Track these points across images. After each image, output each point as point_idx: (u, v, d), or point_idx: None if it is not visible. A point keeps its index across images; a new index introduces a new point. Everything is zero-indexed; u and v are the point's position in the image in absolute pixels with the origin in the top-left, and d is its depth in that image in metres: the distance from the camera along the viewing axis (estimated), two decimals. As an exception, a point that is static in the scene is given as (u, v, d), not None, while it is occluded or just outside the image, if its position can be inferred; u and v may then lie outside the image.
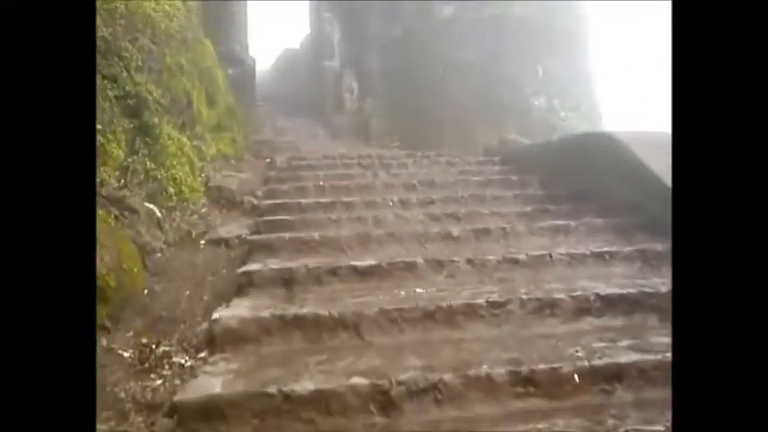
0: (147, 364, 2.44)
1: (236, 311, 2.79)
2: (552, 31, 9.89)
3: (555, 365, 2.27)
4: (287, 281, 3.21)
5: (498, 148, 7.52)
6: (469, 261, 3.36)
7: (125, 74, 4.82)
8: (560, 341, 2.62)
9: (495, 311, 2.81)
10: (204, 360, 2.50)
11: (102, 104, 4.40)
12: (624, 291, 2.91)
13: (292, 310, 2.77)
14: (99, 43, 4.45)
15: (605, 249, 3.52)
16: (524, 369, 2.26)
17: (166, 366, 2.45)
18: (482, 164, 6.98)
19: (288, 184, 5.79)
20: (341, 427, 2.12)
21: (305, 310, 2.76)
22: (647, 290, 2.92)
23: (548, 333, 2.75)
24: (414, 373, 2.26)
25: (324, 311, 2.74)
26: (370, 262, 3.32)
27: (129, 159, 4.67)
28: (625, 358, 2.31)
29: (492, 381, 2.23)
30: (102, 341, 2.68)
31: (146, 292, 3.24)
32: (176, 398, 2.14)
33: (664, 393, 2.07)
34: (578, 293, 2.88)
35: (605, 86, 10.61)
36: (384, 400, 2.17)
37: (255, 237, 4.02)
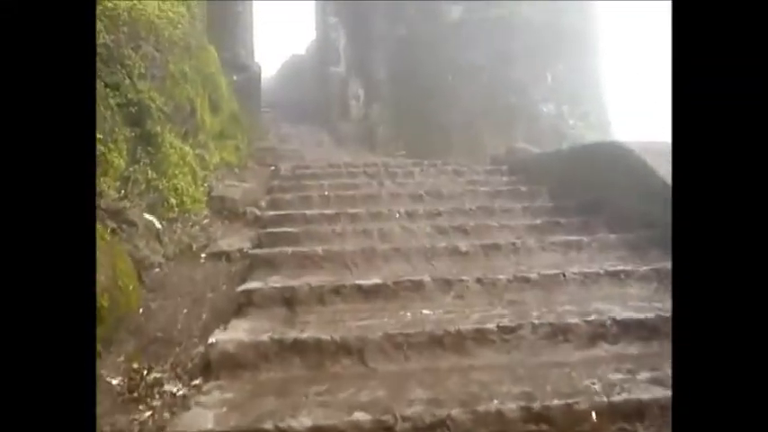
0: (136, 393, 2.32)
1: (233, 335, 2.66)
2: (561, 33, 9.75)
3: (570, 401, 2.13)
4: (288, 300, 3.09)
5: (506, 157, 7.38)
6: (479, 280, 3.22)
7: (127, 81, 4.72)
8: (575, 371, 2.47)
9: (506, 337, 2.67)
10: (198, 388, 2.37)
11: (103, 113, 4.29)
12: (642, 315, 2.76)
13: (292, 334, 2.64)
14: (101, 51, 4.36)
15: (620, 268, 3.37)
16: (537, 405, 2.11)
17: (157, 396, 2.32)
18: (490, 173, 6.85)
19: (292, 193, 5.67)
20: (342, 466, 1.99)
21: (306, 335, 2.63)
22: (664, 314, 2.77)
23: (561, 361, 2.60)
24: (420, 408, 2.12)
25: (326, 336, 2.61)
26: (376, 281, 3.19)
27: (131, 169, 4.57)
28: (646, 394, 2.17)
29: (503, 417, 2.09)
30: (94, 365, 2.56)
31: (141, 310, 3.12)
32: (165, 434, 2.02)
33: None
34: (593, 318, 2.74)
35: (614, 91, 10.46)
36: (388, 438, 2.03)
37: (257, 251, 3.90)
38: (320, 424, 2.03)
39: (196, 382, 2.44)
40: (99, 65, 4.28)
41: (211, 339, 2.56)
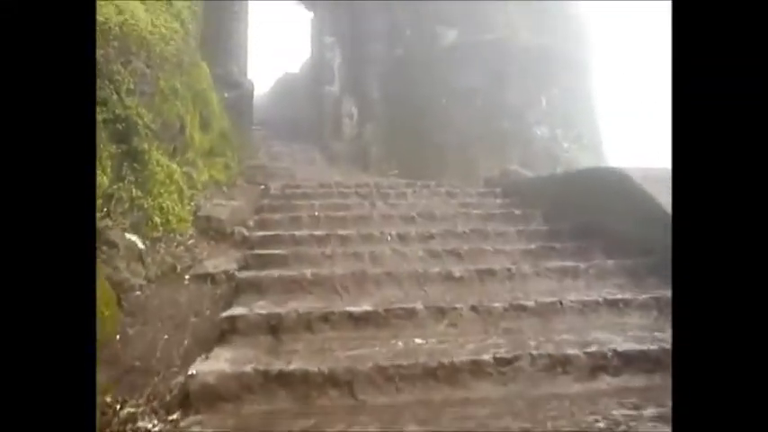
0: (108, 431, 2.16)
1: (215, 365, 2.51)
2: (555, 57, 9.77)
3: (573, 442, 2.00)
4: (274, 327, 2.94)
5: (500, 180, 7.30)
6: (473, 308, 3.10)
7: (115, 97, 4.60)
8: (576, 405, 2.34)
9: (503, 369, 2.54)
10: (175, 424, 2.22)
11: (87, 129, 4.17)
12: (644, 347, 2.64)
13: (278, 366, 2.49)
14: (88, 65, 4.24)
15: (619, 297, 3.26)
16: (538, 446, 1.98)
17: (130, 434, 2.17)
18: (483, 195, 6.76)
19: (281, 213, 5.55)
20: None
21: (292, 366, 2.48)
22: (667, 346, 2.66)
23: (561, 393, 2.48)
24: (412, 447, 1.99)
25: (313, 367, 2.47)
26: (366, 308, 3.06)
27: (115, 186, 4.43)
28: (653, 435, 2.04)
29: (501, 459, 1.95)
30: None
31: (118, 337, 2.97)
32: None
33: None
34: (593, 349, 2.62)
35: (607, 116, 10.48)
36: (378, 481, 1.89)
37: (243, 274, 3.76)
38: (305, 466, 1.88)
39: (174, 416, 2.28)
40: (86, 79, 4.17)
41: (191, 370, 2.40)
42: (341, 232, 4.78)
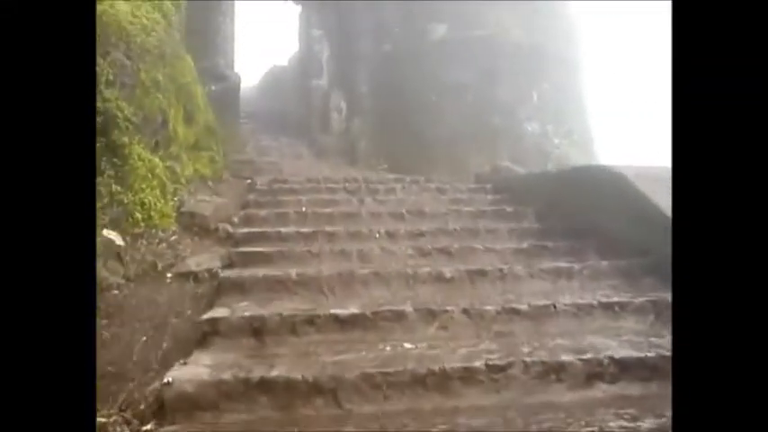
0: (76, 444, 2.02)
1: (193, 371, 2.39)
2: (545, 52, 9.68)
3: (570, 457, 1.90)
4: (257, 330, 2.81)
5: (491, 176, 7.20)
6: (465, 311, 2.99)
7: (94, 89, 4.43)
8: (571, 416, 2.25)
9: (495, 376, 2.44)
10: (149, 436, 2.09)
11: (65, 121, 4.01)
12: (641, 354, 2.55)
13: (260, 372, 2.37)
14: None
15: (615, 300, 3.17)
16: (533, 461, 1.88)
17: (99, 447, 2.03)
18: (474, 191, 6.66)
19: (267, 209, 5.40)
20: None
21: (275, 373, 2.36)
22: (665, 352, 2.57)
23: (555, 402, 2.38)
24: (400, 462, 1.88)
25: (297, 374, 2.35)
26: (353, 310, 2.94)
27: (93, 181, 4.28)
28: (654, 449, 1.95)
29: (495, 475, 1.85)
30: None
31: (93, 340, 2.82)
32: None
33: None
34: (589, 356, 2.52)
35: (598, 114, 10.42)
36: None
37: (227, 273, 3.62)
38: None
39: (148, 427, 2.15)
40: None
41: (167, 378, 2.27)
42: (328, 229, 4.66)
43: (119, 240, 4.05)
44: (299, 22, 11.69)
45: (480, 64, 9.29)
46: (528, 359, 2.49)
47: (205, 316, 2.88)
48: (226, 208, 5.26)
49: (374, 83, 9.95)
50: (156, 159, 5.01)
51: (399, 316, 2.94)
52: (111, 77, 4.60)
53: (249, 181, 6.92)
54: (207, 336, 2.79)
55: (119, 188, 4.39)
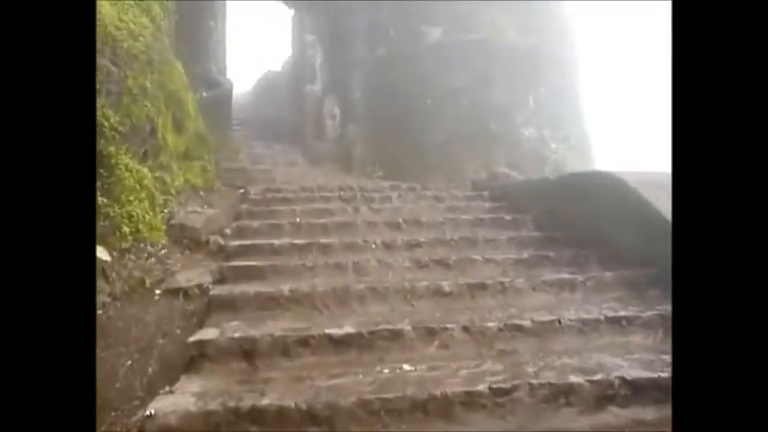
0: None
1: (179, 400, 2.24)
2: (542, 56, 9.57)
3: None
4: (248, 353, 2.67)
5: (488, 183, 7.08)
6: (465, 329, 2.85)
7: (79, 97, 4.28)
8: (582, 444, 2.11)
9: (500, 400, 2.31)
10: (130, 475, 1.94)
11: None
12: (654, 374, 2.42)
13: (250, 400, 2.23)
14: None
15: (621, 314, 3.04)
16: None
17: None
18: (471, 199, 6.53)
19: (260, 220, 5.26)
20: None
21: (266, 401, 2.22)
22: (677, 371, 2.43)
23: (565, 429, 2.24)
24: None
25: (289, 402, 2.21)
26: (348, 330, 2.79)
27: (79, 194, 4.12)
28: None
29: None
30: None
31: (74, 366, 2.67)
32: None
33: None
34: (599, 377, 2.39)
35: (596, 119, 10.31)
36: None
37: (217, 290, 3.48)
38: None
39: (129, 464, 2.00)
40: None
41: (150, 409, 2.13)
42: (323, 241, 4.52)
43: (105, 256, 3.90)
44: (291, 26, 11.58)
45: (476, 67, 9.17)
46: (534, 381, 2.36)
47: (193, 338, 2.73)
48: (217, 219, 5.11)
49: (368, 88, 9.82)
50: (145, 170, 4.85)
51: (397, 335, 2.81)
52: (96, 85, 4.45)
53: (242, 190, 6.78)
54: (195, 359, 2.65)
55: (105, 200, 4.23)
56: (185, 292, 3.76)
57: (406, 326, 2.85)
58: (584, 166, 8.57)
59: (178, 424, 2.10)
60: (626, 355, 2.69)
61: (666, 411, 2.30)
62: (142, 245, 4.31)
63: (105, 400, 2.45)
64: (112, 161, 4.44)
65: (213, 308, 3.26)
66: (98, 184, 4.29)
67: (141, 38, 5.35)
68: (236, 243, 4.55)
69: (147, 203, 4.62)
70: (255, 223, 5.10)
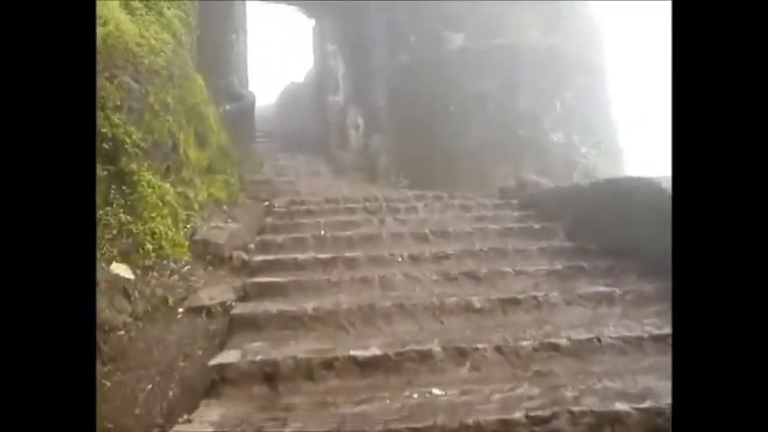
0: None
1: (198, 430, 2.14)
2: (568, 59, 9.32)
3: None
4: (270, 377, 2.56)
5: (516, 190, 6.89)
6: (498, 349, 2.70)
7: (100, 114, 4.27)
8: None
9: (538, 429, 2.14)
10: None
11: (72, 150, 3.83)
12: (706, 399, 2.22)
13: (272, 430, 2.11)
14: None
15: (665, 331, 2.84)
16: None
17: None
18: (499, 207, 6.36)
19: (284, 234, 5.18)
20: None
21: (288, 431, 2.10)
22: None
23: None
24: None
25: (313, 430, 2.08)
26: (375, 351, 2.66)
27: (101, 212, 4.09)
28: None
29: None
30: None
31: (92, 392, 2.59)
32: None
33: None
34: (647, 404, 2.20)
35: (627, 121, 9.99)
36: None
37: (240, 309, 3.38)
38: None
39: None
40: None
41: (167, 441, 2.03)
42: (348, 255, 4.40)
43: (128, 274, 3.85)
44: (312, 37, 11.56)
45: (501, 72, 8.99)
46: (575, 408, 2.18)
47: (214, 361, 2.63)
48: (241, 234, 5.04)
49: (391, 96, 9.71)
50: (167, 185, 4.82)
51: (426, 356, 2.66)
52: (118, 102, 4.44)
53: (267, 203, 6.71)
54: (215, 384, 2.54)
55: (128, 218, 4.21)
56: (208, 311, 3.67)
57: (435, 346, 2.70)
58: (615, 172, 8.31)
59: (196, 457, 1.99)
60: (673, 376, 2.50)
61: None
62: (165, 262, 4.26)
63: (123, 428, 2.36)
64: (135, 178, 4.41)
65: (235, 327, 3.17)
66: (121, 201, 4.27)
67: (162, 53, 5.34)
68: (260, 258, 4.46)
69: (169, 220, 4.58)
70: (279, 237, 5.02)
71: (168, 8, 6.28)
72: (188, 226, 4.90)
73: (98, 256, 3.85)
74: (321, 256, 4.39)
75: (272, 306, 3.33)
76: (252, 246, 4.87)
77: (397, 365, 2.62)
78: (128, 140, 4.42)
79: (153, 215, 4.42)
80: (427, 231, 5.08)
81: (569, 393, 2.35)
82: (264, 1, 11.39)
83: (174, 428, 2.17)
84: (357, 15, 10.00)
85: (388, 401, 2.36)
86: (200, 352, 3.14)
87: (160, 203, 4.56)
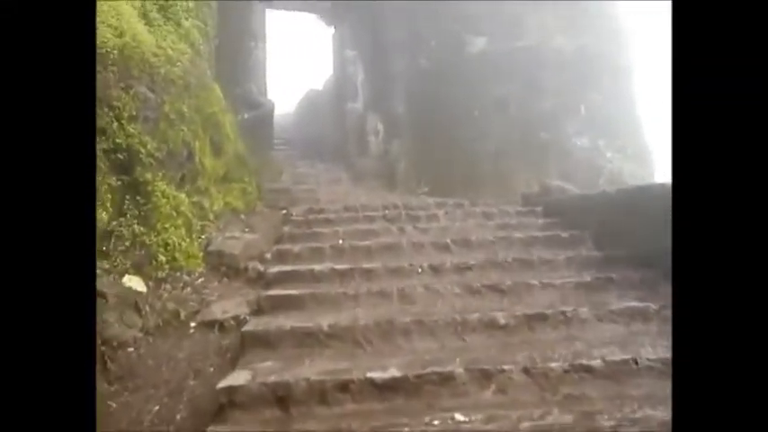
0: None
1: (203, 461, 2.00)
2: (593, 61, 9.07)
3: None
4: (282, 399, 2.41)
5: (540, 197, 6.66)
6: (526, 370, 2.51)
7: (115, 124, 4.21)
8: None
9: (572, 462, 1.96)
10: None
11: (86, 160, 3.75)
12: None
13: (281, 462, 1.96)
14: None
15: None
16: None
17: None
18: (523, 215, 6.15)
19: (301, 243, 5.05)
20: None
21: (298, 463, 1.95)
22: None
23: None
24: None
25: (325, 464, 1.93)
26: (393, 373, 2.50)
27: (115, 222, 4.01)
28: None
29: None
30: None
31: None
32: None
33: None
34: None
35: (656, 123, 9.66)
36: None
37: (253, 325, 3.24)
38: None
39: None
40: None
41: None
42: (366, 266, 4.25)
43: (140, 287, 3.75)
44: (332, 44, 11.49)
45: (523, 75, 8.77)
46: (612, 439, 2.00)
47: (223, 383, 2.49)
48: (257, 244, 4.92)
49: (411, 101, 9.55)
50: (182, 195, 4.73)
51: (447, 378, 2.49)
52: (133, 112, 4.37)
53: (284, 211, 6.61)
54: (224, 407, 2.40)
55: (141, 229, 4.12)
56: (221, 325, 3.56)
57: (457, 367, 2.53)
58: (644, 175, 8.04)
59: (199, 492, 1.85)
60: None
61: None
62: (178, 274, 4.16)
63: (126, 456, 2.23)
64: (149, 188, 4.33)
65: (247, 344, 3.03)
66: (135, 212, 4.18)
67: (179, 63, 5.28)
68: (276, 269, 4.33)
69: (183, 230, 4.48)
70: (296, 247, 4.89)
71: (186, 18, 6.24)
72: (203, 236, 4.81)
73: (110, 268, 3.78)
74: (338, 266, 4.24)
75: (287, 321, 3.19)
76: (268, 255, 4.75)
77: (416, 388, 2.46)
78: (142, 150, 4.34)
79: (167, 226, 4.33)
80: (448, 241, 4.90)
81: (606, 422, 2.16)
82: (284, 9, 11.37)
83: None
84: (377, 21, 9.89)
85: (407, 429, 2.20)
86: (211, 369, 3.02)
87: (174, 214, 4.47)
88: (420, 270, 4.22)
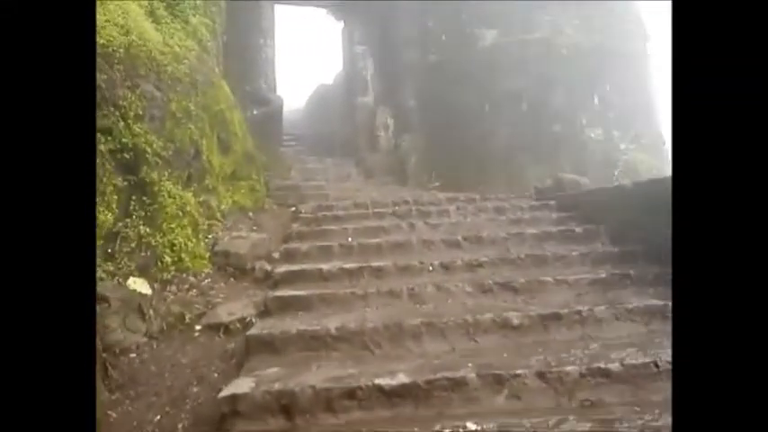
0: None
1: (203, 475, 1.92)
2: (606, 51, 8.88)
3: None
4: (286, 408, 2.33)
5: (553, 190, 6.52)
6: (540, 375, 2.40)
7: (121, 124, 4.15)
8: None
9: (590, 475, 1.85)
10: None
11: (91, 160, 3.70)
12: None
13: (284, 476, 1.87)
14: (90, 90, 3.79)
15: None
16: None
17: None
18: (536, 209, 6.01)
19: (310, 242, 4.97)
20: None
21: (302, 477, 1.86)
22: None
23: None
24: None
25: (330, 478, 1.84)
26: (402, 379, 2.40)
27: (120, 224, 3.96)
28: None
29: None
30: None
31: (96, 425, 2.41)
32: None
33: None
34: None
35: (667, 112, 9.45)
36: None
37: (258, 328, 3.15)
38: None
39: None
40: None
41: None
42: (375, 264, 4.15)
43: (145, 289, 3.69)
44: (341, 39, 11.38)
45: (535, 68, 8.61)
46: (633, 450, 1.89)
47: (226, 392, 2.41)
48: (264, 243, 4.84)
49: (422, 96, 9.44)
50: (189, 195, 4.66)
51: (459, 384, 2.39)
52: (139, 111, 4.31)
53: (293, 209, 6.53)
54: (226, 416, 2.32)
55: (147, 230, 4.06)
56: (226, 328, 3.49)
57: (469, 373, 2.42)
58: (660, 166, 7.85)
59: None
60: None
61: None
62: (184, 275, 4.10)
63: (125, 469, 2.16)
64: (155, 188, 4.27)
65: (252, 349, 2.95)
66: (141, 212, 4.13)
67: (186, 60, 5.21)
68: (284, 269, 4.25)
69: (189, 230, 4.42)
70: (305, 246, 4.80)
71: (194, 15, 6.19)
72: (209, 236, 4.74)
73: (115, 270, 3.72)
74: (347, 265, 4.15)
75: (293, 324, 3.10)
76: (276, 255, 4.67)
77: (426, 395, 2.36)
78: (149, 149, 4.28)
79: (173, 226, 4.27)
80: (459, 237, 4.79)
81: (625, 430, 2.04)
82: (293, 5, 11.28)
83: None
84: (386, 16, 9.78)
85: (416, 438, 2.11)
86: (215, 375, 2.95)
87: (180, 214, 4.41)
88: (431, 268, 4.12)
